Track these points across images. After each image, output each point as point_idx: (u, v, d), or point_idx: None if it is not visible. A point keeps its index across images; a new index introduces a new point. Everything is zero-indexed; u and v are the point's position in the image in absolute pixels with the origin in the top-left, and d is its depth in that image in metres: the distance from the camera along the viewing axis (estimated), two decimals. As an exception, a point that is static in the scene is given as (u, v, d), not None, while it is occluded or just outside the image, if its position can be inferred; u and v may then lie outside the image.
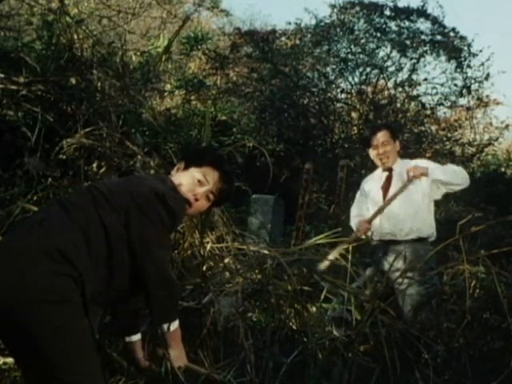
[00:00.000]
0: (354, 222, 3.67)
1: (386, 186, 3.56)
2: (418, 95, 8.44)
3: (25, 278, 1.56)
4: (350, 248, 3.44)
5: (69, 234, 1.65)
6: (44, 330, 1.56)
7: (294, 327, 2.88)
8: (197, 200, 1.98)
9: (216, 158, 2.12)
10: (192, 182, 1.98)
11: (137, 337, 2.05)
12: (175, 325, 1.85)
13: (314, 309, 3.06)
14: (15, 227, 1.91)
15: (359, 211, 3.69)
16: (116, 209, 1.73)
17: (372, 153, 3.62)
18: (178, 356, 1.90)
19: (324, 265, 3.38)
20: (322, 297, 3.25)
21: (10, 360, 2.36)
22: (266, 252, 3.19)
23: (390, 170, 3.59)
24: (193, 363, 2.06)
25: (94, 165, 4.04)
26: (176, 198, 1.86)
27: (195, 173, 1.99)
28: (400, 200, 3.45)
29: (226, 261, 3.18)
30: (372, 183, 3.69)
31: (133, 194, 1.77)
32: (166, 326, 1.83)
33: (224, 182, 2.03)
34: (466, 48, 8.07)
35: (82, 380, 1.60)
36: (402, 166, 3.56)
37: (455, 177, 3.43)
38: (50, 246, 1.61)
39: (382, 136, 3.58)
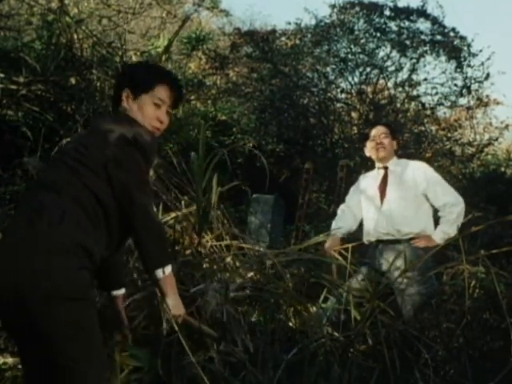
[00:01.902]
0: (334, 225, 3.67)
1: (382, 186, 3.54)
2: (418, 95, 8.44)
3: (41, 274, 1.56)
4: (350, 248, 3.45)
5: (71, 217, 1.65)
6: (59, 327, 1.57)
7: (294, 327, 2.88)
8: (162, 123, 1.97)
9: (158, 72, 2.04)
10: (151, 109, 1.94)
11: (122, 291, 2.08)
12: (169, 269, 1.81)
13: (314, 308, 3.06)
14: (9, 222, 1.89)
15: (350, 203, 3.70)
16: (94, 169, 1.74)
17: (369, 145, 3.61)
18: (176, 305, 1.87)
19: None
20: (322, 297, 3.25)
21: (10, 360, 2.36)
22: (265, 251, 3.19)
23: (385, 168, 3.58)
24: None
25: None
26: (144, 136, 1.82)
27: (148, 99, 1.95)
28: (398, 200, 3.44)
29: (227, 260, 3.18)
30: (369, 180, 3.67)
31: (104, 148, 1.76)
32: (160, 272, 1.79)
33: (175, 90, 2.00)
34: (465, 48, 8.06)
35: (89, 375, 1.61)
36: (398, 165, 3.56)
37: (446, 208, 3.39)
38: (60, 237, 1.61)
39: (380, 129, 3.61)
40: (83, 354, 1.59)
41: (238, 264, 3.16)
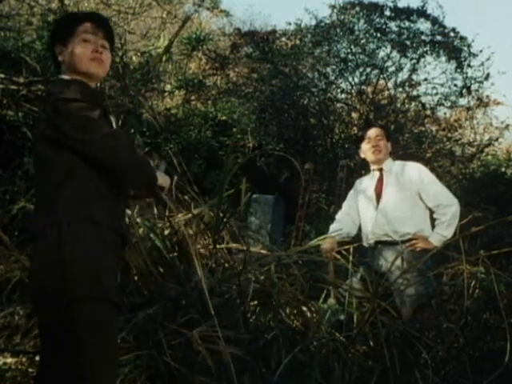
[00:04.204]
0: (332, 227, 3.66)
1: (378, 188, 3.53)
2: (418, 95, 8.43)
3: (67, 274, 1.60)
4: (351, 249, 3.46)
5: (78, 205, 1.69)
6: (82, 329, 1.59)
7: (295, 327, 2.88)
8: (98, 52, 1.93)
9: (76, 15, 2.08)
10: (82, 46, 1.91)
11: None
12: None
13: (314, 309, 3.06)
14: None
15: (348, 209, 3.69)
16: (61, 148, 1.74)
17: (364, 146, 3.60)
18: (163, 179, 2.02)
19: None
20: (322, 297, 3.26)
21: (9, 360, 2.36)
22: (268, 253, 3.19)
23: (380, 170, 3.57)
24: None
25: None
26: (70, 86, 1.81)
27: (76, 39, 1.92)
28: (394, 201, 3.44)
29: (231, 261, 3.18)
30: (365, 183, 3.67)
31: (52, 124, 1.76)
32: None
33: (99, 21, 1.99)
34: (466, 48, 8.06)
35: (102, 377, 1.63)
36: (393, 167, 3.55)
37: (440, 209, 3.39)
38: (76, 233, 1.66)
39: (375, 131, 3.60)
40: (98, 354, 1.61)
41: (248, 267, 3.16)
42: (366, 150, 3.60)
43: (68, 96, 1.76)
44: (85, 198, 1.70)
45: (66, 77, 1.90)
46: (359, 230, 3.66)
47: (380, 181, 3.55)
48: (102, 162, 1.73)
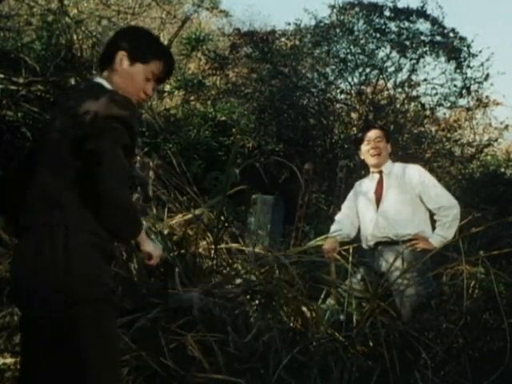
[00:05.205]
0: (333, 228, 3.66)
1: (378, 190, 3.52)
2: (418, 96, 8.44)
3: (73, 274, 1.59)
4: (351, 249, 3.46)
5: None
6: (85, 330, 1.59)
7: (295, 327, 2.88)
8: (147, 95, 1.94)
9: (159, 48, 2.00)
10: (142, 81, 1.89)
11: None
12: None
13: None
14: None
15: (347, 211, 3.69)
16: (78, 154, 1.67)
17: (364, 148, 3.58)
18: (153, 247, 1.96)
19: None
20: (322, 297, 3.26)
21: (9, 360, 2.36)
22: (268, 254, 3.19)
23: (380, 172, 3.57)
24: None
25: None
26: (124, 109, 1.71)
27: (143, 70, 1.89)
28: (395, 203, 3.44)
29: (230, 262, 3.18)
30: (365, 185, 3.66)
31: (74, 129, 1.67)
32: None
33: (170, 68, 1.98)
34: (465, 49, 8.06)
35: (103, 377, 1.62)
36: (393, 169, 3.55)
37: (441, 211, 3.38)
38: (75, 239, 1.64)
39: (375, 133, 3.58)
40: (97, 356, 1.60)
41: (240, 267, 3.16)
42: (365, 152, 3.58)
43: (118, 114, 1.67)
44: (87, 208, 1.66)
45: (106, 84, 1.84)
46: (358, 231, 3.65)
47: (380, 183, 3.53)
48: (94, 183, 1.63)
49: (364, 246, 3.57)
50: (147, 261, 1.97)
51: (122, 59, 1.88)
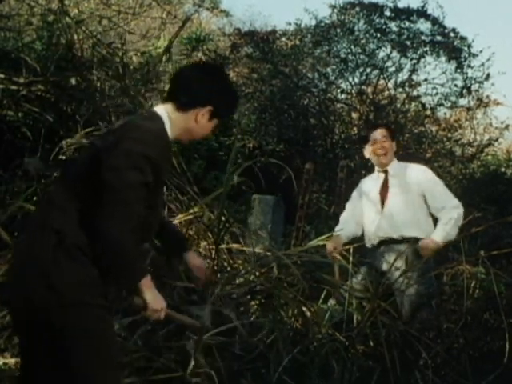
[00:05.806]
0: (338, 227, 3.64)
1: (383, 191, 3.52)
2: (419, 95, 8.43)
3: (62, 277, 1.58)
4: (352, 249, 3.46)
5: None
6: (76, 333, 1.59)
7: (296, 327, 2.88)
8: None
9: (236, 105, 2.00)
10: (208, 129, 1.90)
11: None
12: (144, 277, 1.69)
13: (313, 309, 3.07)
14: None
15: (352, 211, 3.67)
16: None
17: (369, 149, 3.57)
18: (154, 299, 1.70)
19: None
20: (322, 297, 3.26)
21: (9, 360, 2.36)
22: (268, 254, 3.19)
23: (385, 172, 3.56)
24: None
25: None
26: (158, 134, 1.73)
27: (215, 123, 1.89)
28: (399, 204, 3.43)
29: (231, 262, 3.18)
30: (370, 184, 3.65)
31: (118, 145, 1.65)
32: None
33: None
34: (466, 48, 8.06)
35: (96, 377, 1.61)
36: (398, 168, 3.54)
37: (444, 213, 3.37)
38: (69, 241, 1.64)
39: (380, 132, 3.57)
40: (90, 358, 1.60)
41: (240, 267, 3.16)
42: (370, 153, 3.58)
43: (145, 140, 1.65)
44: (86, 229, 1.64)
45: (166, 119, 1.80)
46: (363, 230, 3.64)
47: (385, 183, 3.53)
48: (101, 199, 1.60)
49: (367, 244, 3.57)
50: (142, 311, 1.72)
51: (203, 114, 1.83)
